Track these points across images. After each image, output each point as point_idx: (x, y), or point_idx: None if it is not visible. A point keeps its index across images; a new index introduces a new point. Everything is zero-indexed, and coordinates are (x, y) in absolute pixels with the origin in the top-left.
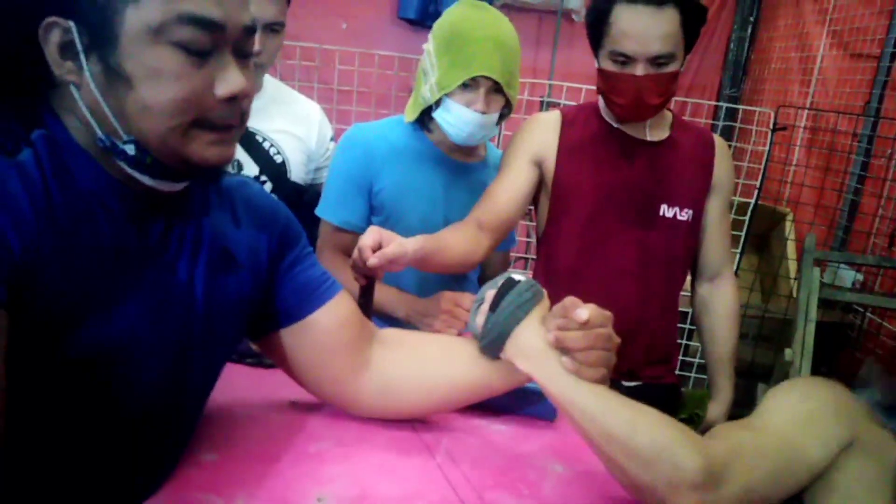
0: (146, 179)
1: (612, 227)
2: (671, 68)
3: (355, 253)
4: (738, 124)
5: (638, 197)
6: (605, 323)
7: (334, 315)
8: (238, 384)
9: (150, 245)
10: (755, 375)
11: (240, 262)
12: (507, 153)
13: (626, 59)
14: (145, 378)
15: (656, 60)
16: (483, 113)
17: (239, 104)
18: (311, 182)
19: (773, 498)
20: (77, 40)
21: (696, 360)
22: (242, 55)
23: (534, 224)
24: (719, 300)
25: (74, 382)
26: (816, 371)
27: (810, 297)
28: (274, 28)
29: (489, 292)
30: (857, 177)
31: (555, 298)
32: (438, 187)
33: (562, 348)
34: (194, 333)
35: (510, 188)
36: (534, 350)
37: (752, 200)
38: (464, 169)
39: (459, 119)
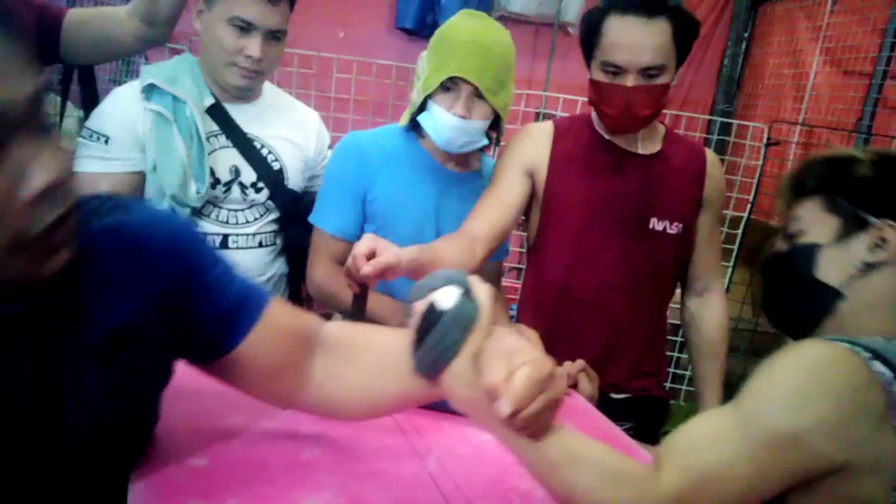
0: None
1: (602, 240)
2: (662, 80)
3: (349, 260)
4: (731, 139)
5: (628, 209)
6: (543, 387)
7: (265, 337)
8: (228, 390)
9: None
10: None
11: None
12: (499, 164)
13: (616, 70)
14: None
15: (647, 72)
16: (463, 118)
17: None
18: (306, 189)
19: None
20: None
21: (688, 373)
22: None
23: (526, 234)
24: (708, 314)
25: None
26: None
27: None
28: (276, 35)
29: (420, 303)
30: None
31: (544, 310)
32: (431, 197)
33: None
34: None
35: (502, 199)
36: (471, 396)
37: (745, 214)
38: (458, 179)
39: (439, 122)
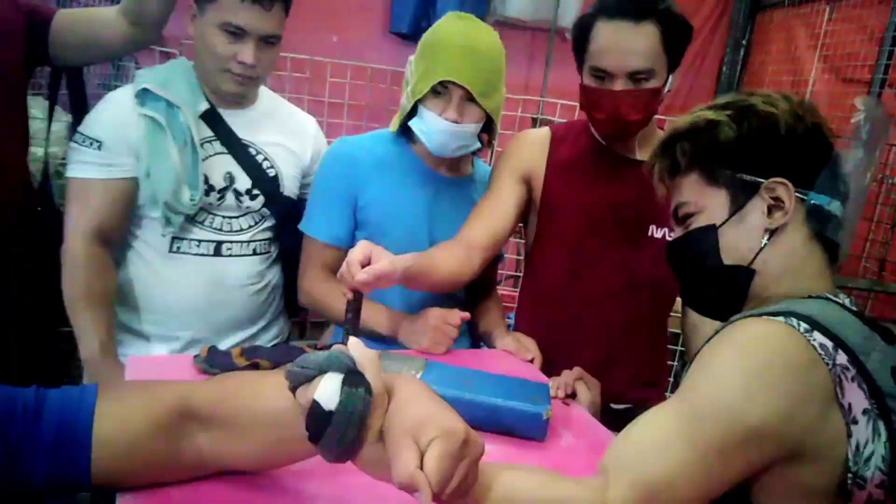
0: None
1: (600, 248)
2: (651, 84)
3: (343, 267)
4: None
5: (626, 217)
6: (462, 454)
7: (111, 456)
8: None
9: None
10: None
11: None
12: (496, 171)
13: (604, 75)
14: None
15: (635, 76)
16: (455, 122)
17: None
18: (301, 196)
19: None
20: None
21: None
22: None
23: (524, 241)
24: (709, 324)
25: None
26: None
27: None
28: (270, 40)
29: (305, 404)
30: None
31: (542, 318)
32: (424, 202)
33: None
34: None
35: (499, 207)
36: (386, 475)
37: None
38: (450, 184)
39: (431, 127)
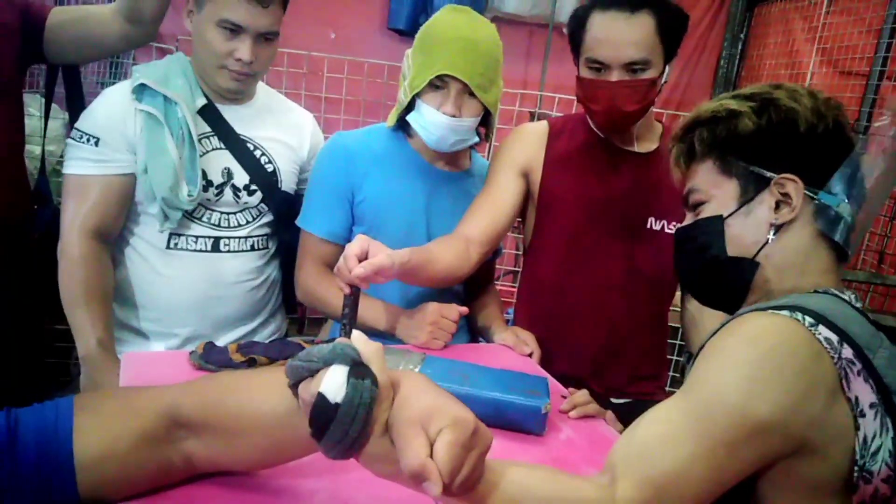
0: None
1: (599, 240)
2: (647, 75)
3: (341, 261)
4: None
5: (625, 209)
6: (472, 443)
7: (97, 473)
8: None
9: None
10: None
11: None
12: (494, 164)
13: (600, 66)
14: None
15: (630, 67)
16: (453, 116)
17: None
18: (298, 192)
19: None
20: None
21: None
22: None
23: (522, 237)
24: (708, 316)
25: None
26: None
27: None
28: (268, 37)
29: (310, 397)
30: None
31: (541, 311)
32: (421, 197)
33: None
34: None
35: (497, 201)
36: (391, 470)
37: None
38: (448, 178)
39: (430, 122)
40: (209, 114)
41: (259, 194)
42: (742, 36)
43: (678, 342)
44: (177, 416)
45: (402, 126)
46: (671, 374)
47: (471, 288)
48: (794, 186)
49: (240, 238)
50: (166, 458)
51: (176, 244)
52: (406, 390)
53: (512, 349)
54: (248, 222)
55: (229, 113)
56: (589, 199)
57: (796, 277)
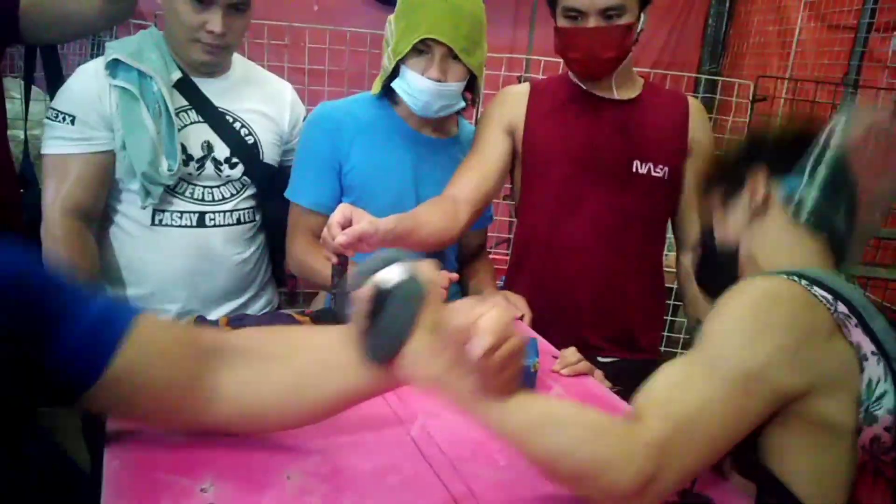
0: None
1: (586, 188)
2: (623, 21)
3: (325, 231)
4: (718, 96)
5: (609, 155)
6: (509, 333)
7: (137, 358)
8: None
9: None
10: None
11: None
12: (480, 126)
13: (577, 14)
14: None
15: (606, 13)
16: (438, 81)
17: None
18: (281, 164)
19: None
20: None
21: (682, 336)
22: None
23: (514, 203)
24: None
25: None
26: None
27: None
28: (239, 7)
29: (365, 288)
30: None
31: (532, 266)
32: (409, 165)
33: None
34: None
35: (485, 160)
36: (433, 370)
37: None
38: (435, 145)
39: (414, 87)
40: (185, 87)
41: (241, 167)
42: None
43: (674, 302)
44: (224, 341)
45: (388, 93)
46: (666, 333)
47: (463, 256)
48: (761, 176)
49: (225, 212)
50: (197, 381)
51: (161, 220)
52: (454, 304)
53: None
54: (231, 196)
55: (206, 86)
56: (573, 147)
57: (785, 262)
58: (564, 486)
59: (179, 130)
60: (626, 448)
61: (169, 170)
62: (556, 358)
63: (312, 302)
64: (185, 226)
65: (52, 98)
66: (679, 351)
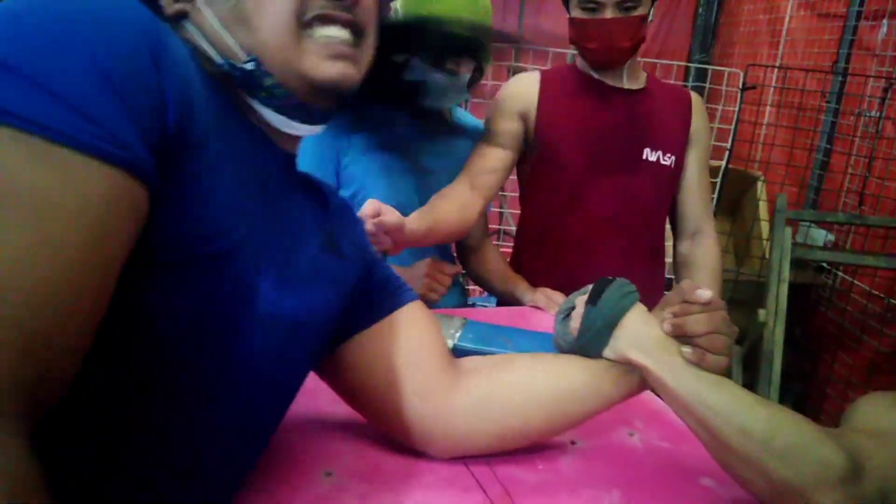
0: (267, 112)
1: (596, 175)
2: (639, 12)
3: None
4: (708, 85)
5: (620, 142)
6: (723, 305)
7: (419, 316)
8: None
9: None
10: None
11: (344, 252)
12: (494, 111)
13: (595, 5)
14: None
15: (623, 4)
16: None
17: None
18: None
19: None
20: None
21: None
22: None
23: (505, 195)
24: (700, 255)
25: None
26: (790, 332)
27: (782, 257)
28: None
29: (580, 298)
30: (827, 136)
31: (541, 250)
32: (406, 156)
33: (681, 335)
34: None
35: (500, 147)
36: (648, 339)
37: (723, 163)
38: (432, 136)
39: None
40: None
41: None
42: None
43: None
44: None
45: None
46: None
47: (467, 247)
48: None
49: None
50: (453, 366)
51: None
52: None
53: (543, 310)
54: None
55: None
56: (584, 135)
57: None
58: (767, 467)
59: None
60: (835, 438)
61: None
62: None
63: None
64: None
65: None
66: None
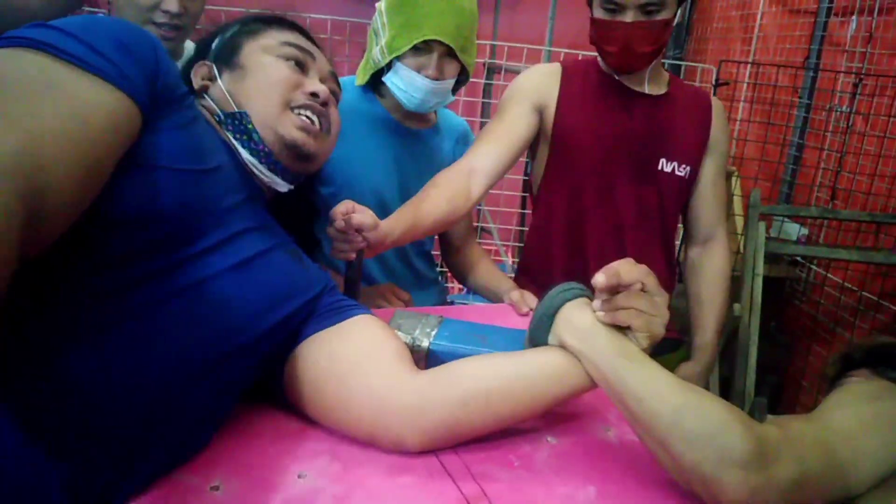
0: (243, 153)
1: (612, 180)
2: (662, 16)
3: (329, 228)
4: None
5: (637, 149)
6: (642, 278)
7: (371, 322)
8: None
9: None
10: None
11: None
12: (507, 98)
13: (616, 7)
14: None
15: (646, 7)
16: (435, 79)
17: (320, 103)
18: None
19: (824, 496)
20: (215, 69)
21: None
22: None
23: (530, 178)
24: (709, 263)
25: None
26: (765, 325)
27: (756, 251)
28: None
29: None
30: (799, 131)
31: (552, 251)
32: (390, 156)
33: (609, 316)
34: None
35: (510, 133)
36: (581, 324)
37: None
38: (417, 136)
39: (410, 85)
40: None
41: None
42: None
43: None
44: None
45: (373, 84)
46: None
47: (450, 245)
48: None
49: None
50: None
51: None
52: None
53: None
54: None
55: None
56: (604, 137)
57: None
58: (674, 448)
59: None
60: (748, 424)
61: None
62: None
63: None
64: None
65: None
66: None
